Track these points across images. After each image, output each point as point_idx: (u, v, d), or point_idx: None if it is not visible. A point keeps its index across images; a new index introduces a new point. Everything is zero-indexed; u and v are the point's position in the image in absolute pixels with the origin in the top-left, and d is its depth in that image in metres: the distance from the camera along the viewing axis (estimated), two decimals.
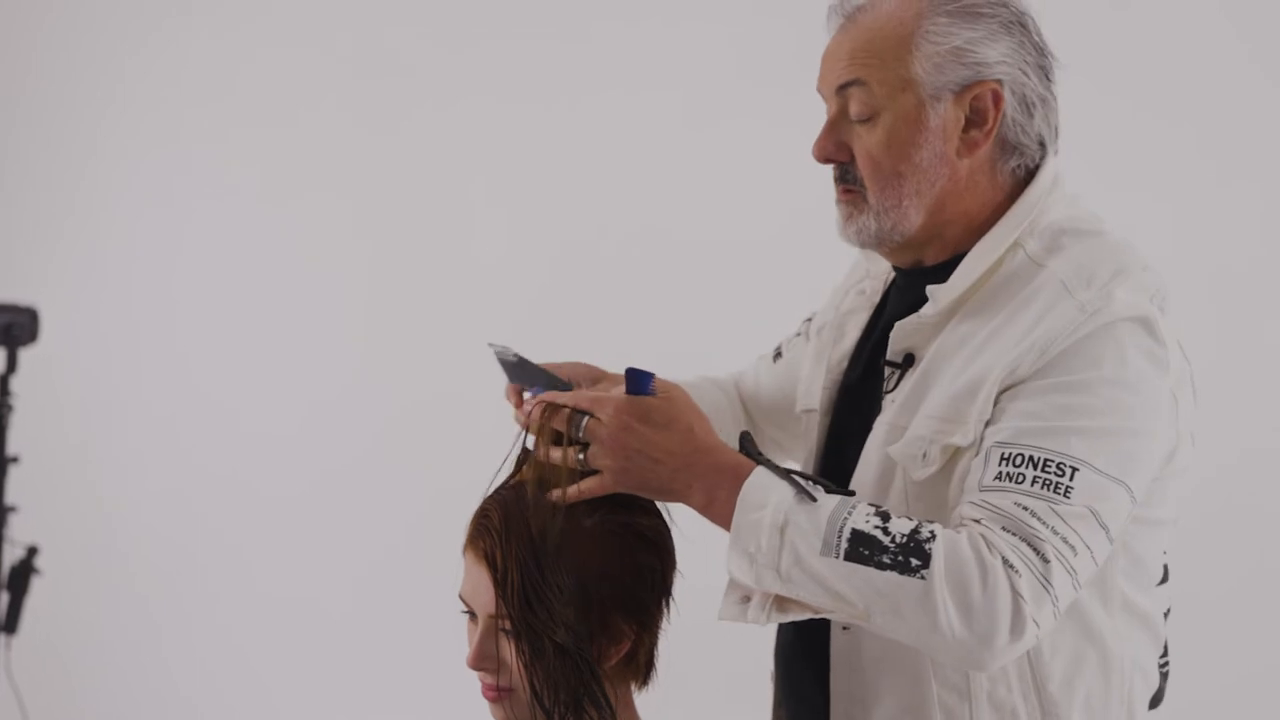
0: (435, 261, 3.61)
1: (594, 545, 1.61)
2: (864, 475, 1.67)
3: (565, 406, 1.61)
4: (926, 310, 1.65)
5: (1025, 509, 1.48)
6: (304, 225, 3.71)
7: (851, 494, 1.55)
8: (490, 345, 1.78)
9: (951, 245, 1.68)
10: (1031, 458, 1.50)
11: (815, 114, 1.72)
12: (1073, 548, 1.48)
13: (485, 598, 1.62)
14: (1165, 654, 1.72)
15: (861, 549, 1.47)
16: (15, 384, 3.04)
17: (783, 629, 1.83)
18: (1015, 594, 1.44)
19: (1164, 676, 1.72)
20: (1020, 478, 1.49)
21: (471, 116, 3.56)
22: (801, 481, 1.52)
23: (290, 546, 3.71)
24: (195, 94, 3.77)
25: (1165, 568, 1.70)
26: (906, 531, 1.47)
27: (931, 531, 1.47)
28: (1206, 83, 3.05)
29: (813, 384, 1.84)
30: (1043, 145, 1.68)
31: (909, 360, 1.67)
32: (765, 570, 1.51)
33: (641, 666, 1.67)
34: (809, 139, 1.70)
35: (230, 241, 3.77)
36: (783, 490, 1.52)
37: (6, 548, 2.99)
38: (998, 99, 1.63)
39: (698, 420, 1.60)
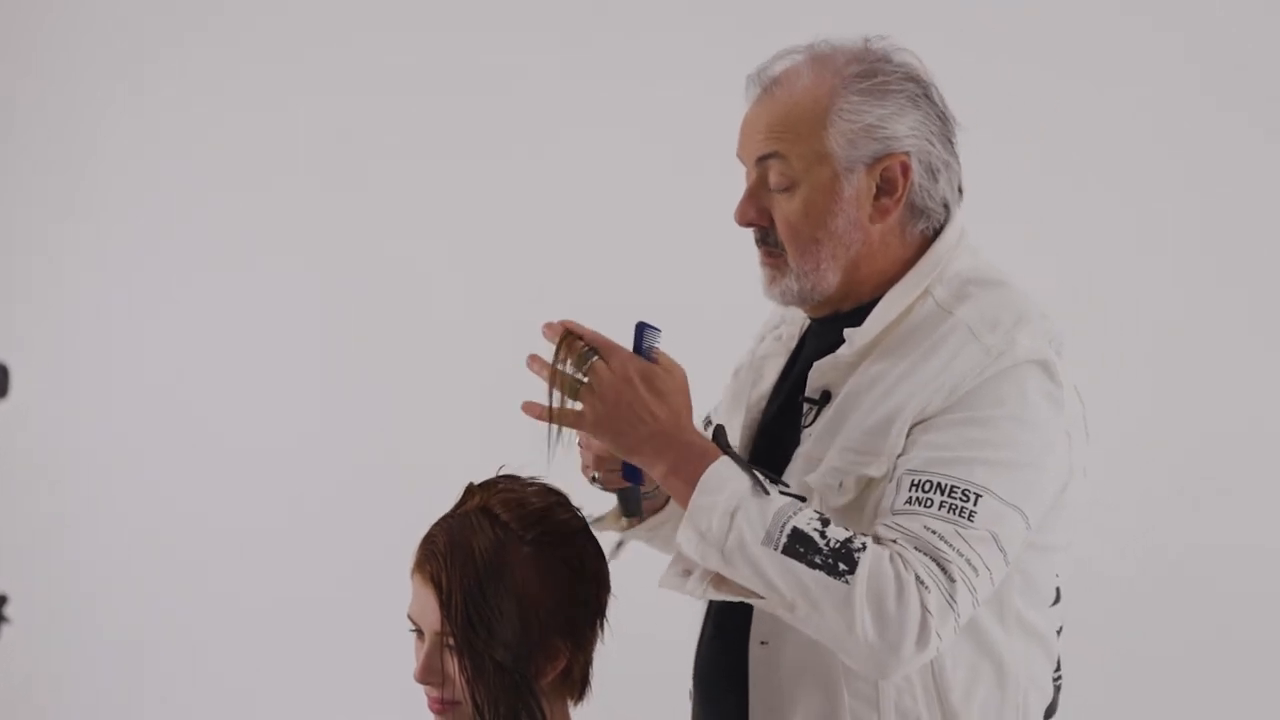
0: (397, 319, 3.62)
1: (534, 572, 1.73)
2: None
3: (582, 340, 1.68)
4: (843, 351, 1.77)
5: (933, 531, 1.60)
6: (269, 283, 3.74)
7: (803, 499, 1.66)
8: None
9: (864, 298, 1.80)
10: (939, 484, 1.62)
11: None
12: (975, 569, 1.60)
13: (432, 617, 1.73)
14: (1058, 668, 1.83)
15: (798, 546, 1.58)
16: None
17: (701, 647, 1.92)
18: (924, 609, 1.56)
19: (1057, 689, 1.83)
20: (929, 502, 1.62)
21: (434, 175, 3.59)
22: (760, 477, 1.64)
23: (265, 593, 3.70)
24: (162, 162, 3.82)
25: (1058, 590, 1.82)
26: (841, 539, 1.59)
27: (864, 544, 1.59)
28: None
29: (731, 422, 1.93)
30: (946, 207, 1.80)
31: (826, 397, 1.78)
32: (711, 549, 1.62)
33: (577, 683, 1.79)
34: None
35: (196, 295, 3.81)
36: (741, 481, 1.64)
37: None
38: (906, 169, 1.76)
39: (686, 405, 1.71)
